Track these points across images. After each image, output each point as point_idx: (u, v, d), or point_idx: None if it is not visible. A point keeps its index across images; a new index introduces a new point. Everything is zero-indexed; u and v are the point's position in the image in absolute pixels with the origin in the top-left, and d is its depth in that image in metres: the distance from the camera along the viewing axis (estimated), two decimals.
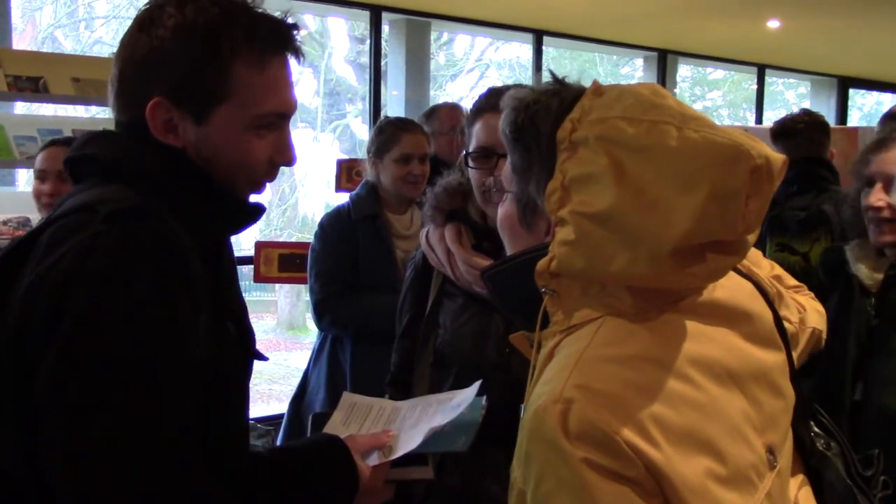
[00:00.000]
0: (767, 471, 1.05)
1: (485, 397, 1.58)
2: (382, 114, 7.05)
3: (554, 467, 0.96)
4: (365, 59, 8.37)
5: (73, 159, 1.23)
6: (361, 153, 3.78)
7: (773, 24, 7.89)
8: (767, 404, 1.09)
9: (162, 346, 1.04)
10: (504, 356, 1.77)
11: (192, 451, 1.05)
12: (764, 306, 1.16)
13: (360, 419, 1.59)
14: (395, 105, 7.47)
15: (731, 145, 0.97)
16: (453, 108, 4.19)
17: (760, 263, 1.37)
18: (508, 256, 1.19)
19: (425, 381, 1.89)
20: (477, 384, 1.60)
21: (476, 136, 1.80)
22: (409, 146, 3.17)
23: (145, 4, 1.21)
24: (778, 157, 0.99)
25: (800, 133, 3.48)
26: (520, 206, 1.16)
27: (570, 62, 10.87)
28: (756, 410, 1.07)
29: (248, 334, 1.23)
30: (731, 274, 1.13)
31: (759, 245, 3.10)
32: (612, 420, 0.95)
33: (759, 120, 9.93)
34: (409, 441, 1.48)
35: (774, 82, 11.15)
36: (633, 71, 11.49)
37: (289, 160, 1.25)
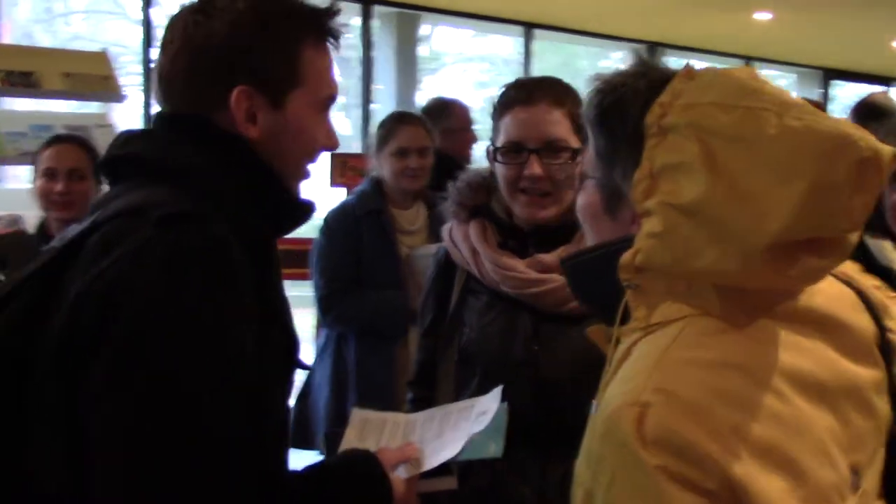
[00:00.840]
0: (850, 493, 0.99)
1: (506, 403, 1.56)
2: (371, 108, 7.00)
3: (629, 472, 0.92)
4: (347, 53, 8.32)
5: (115, 159, 1.19)
6: (345, 148, 3.74)
7: (761, 15, 7.92)
8: (857, 422, 1.02)
9: (214, 362, 1.01)
10: (532, 354, 1.74)
11: (246, 469, 1.03)
12: (866, 319, 1.08)
13: (375, 434, 1.57)
14: (384, 99, 7.42)
15: (837, 135, 0.91)
16: (465, 106, 4.13)
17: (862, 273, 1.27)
18: (591, 247, 1.14)
19: (450, 379, 1.85)
20: (498, 390, 1.57)
21: (505, 130, 1.76)
22: (406, 139, 3.15)
23: None
24: (888, 149, 0.92)
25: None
26: (604, 194, 1.11)
27: (553, 55, 10.85)
28: (844, 428, 1.00)
29: (293, 342, 1.20)
30: (833, 281, 1.08)
31: None
32: (693, 428, 0.90)
33: None
34: (439, 452, 1.47)
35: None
36: (615, 64, 11.52)
37: (336, 143, 1.27)
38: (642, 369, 0.96)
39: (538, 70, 8.94)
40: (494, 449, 1.49)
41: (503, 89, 1.82)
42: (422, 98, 7.09)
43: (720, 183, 0.94)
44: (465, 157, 3.76)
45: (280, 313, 1.19)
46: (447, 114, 3.98)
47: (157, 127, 1.21)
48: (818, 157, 0.91)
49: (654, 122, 1.00)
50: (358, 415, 1.61)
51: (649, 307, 1.02)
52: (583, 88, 1.15)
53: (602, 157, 1.10)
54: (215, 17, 1.15)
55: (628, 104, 1.05)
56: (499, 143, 1.77)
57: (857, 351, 1.05)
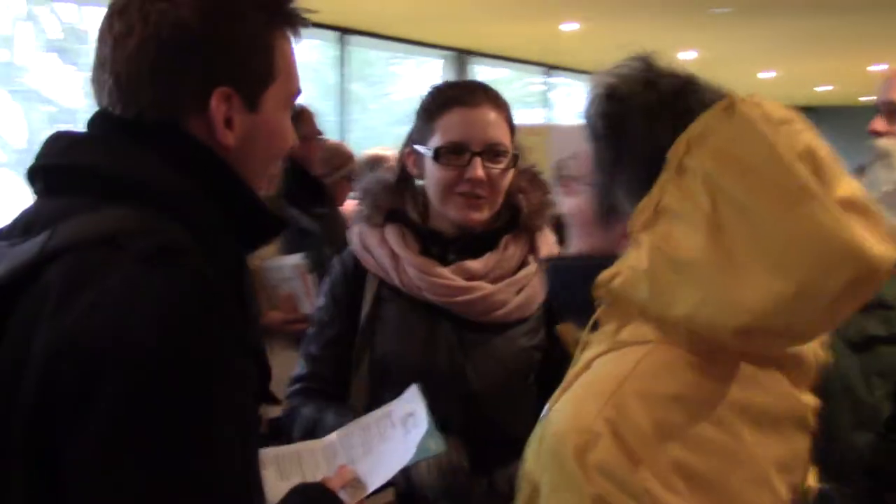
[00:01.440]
0: None
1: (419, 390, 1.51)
2: None
3: (568, 493, 0.93)
4: None
5: (57, 168, 0.99)
6: None
7: (568, 26, 8.22)
8: (798, 444, 1.08)
9: (222, 418, 0.88)
10: (457, 365, 1.67)
11: None
12: (814, 348, 1.10)
13: (295, 469, 1.46)
14: None
15: (844, 246, 0.88)
16: (313, 112, 3.92)
17: None
18: (577, 254, 1.13)
19: (363, 395, 1.74)
20: (415, 388, 1.50)
21: (444, 130, 1.67)
22: None
23: None
24: (889, 260, 0.90)
25: None
26: (600, 204, 1.07)
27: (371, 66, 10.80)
28: (788, 452, 1.04)
29: (266, 374, 1.05)
30: None
31: None
32: (634, 465, 0.92)
33: (547, 118, 10.34)
34: (378, 468, 1.40)
35: (560, 84, 11.62)
36: (428, 70, 11.60)
37: (294, 143, 1.13)
38: (597, 394, 0.96)
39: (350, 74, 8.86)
40: (436, 445, 1.43)
41: (434, 90, 1.74)
42: None
43: (716, 252, 0.92)
44: (311, 165, 3.59)
45: (258, 343, 1.06)
46: (300, 120, 3.78)
47: (108, 132, 1.01)
48: (816, 263, 0.89)
49: (675, 158, 0.96)
50: (269, 453, 1.47)
51: (619, 323, 1.02)
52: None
53: (603, 168, 1.06)
54: (181, 5, 0.98)
55: (637, 119, 1.02)
56: (436, 144, 1.68)
57: (805, 380, 1.08)
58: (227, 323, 0.90)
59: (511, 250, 1.73)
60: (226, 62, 1.00)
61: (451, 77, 9.53)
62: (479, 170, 1.65)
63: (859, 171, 3.17)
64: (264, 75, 1.03)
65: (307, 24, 1.08)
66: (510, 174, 1.71)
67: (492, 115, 1.68)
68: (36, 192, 1.02)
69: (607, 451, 0.91)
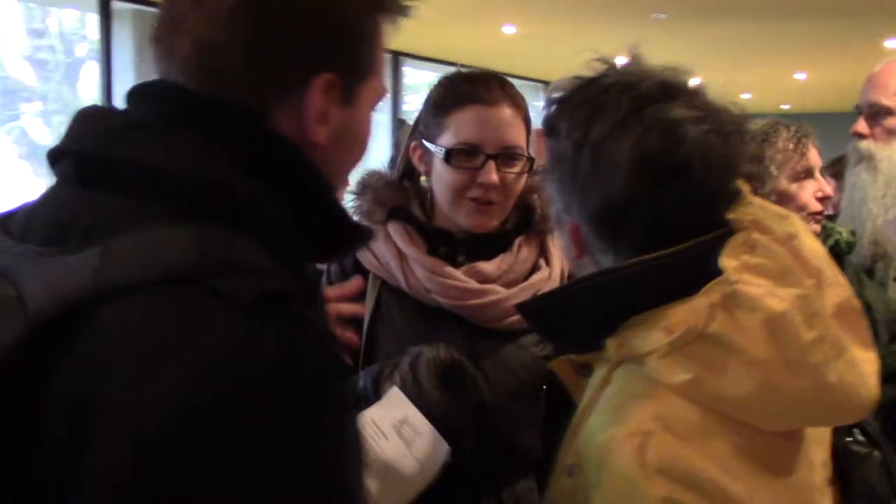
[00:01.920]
0: (826, 489, 1.06)
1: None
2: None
3: (629, 500, 0.93)
4: (44, 55, 7.58)
5: (97, 159, 0.80)
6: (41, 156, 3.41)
7: (507, 29, 8.21)
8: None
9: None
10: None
11: None
12: None
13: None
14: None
15: (843, 399, 0.97)
16: None
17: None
18: (569, 283, 1.14)
19: None
20: (395, 390, 1.37)
21: (458, 129, 1.55)
22: None
23: None
24: (875, 397, 0.99)
25: None
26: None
27: None
28: (823, 430, 1.10)
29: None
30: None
31: None
32: (692, 453, 0.94)
33: None
34: (390, 490, 1.27)
35: None
36: None
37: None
38: (637, 396, 0.98)
39: None
40: (443, 450, 1.31)
41: (447, 81, 1.61)
42: None
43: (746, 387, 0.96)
44: None
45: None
46: None
47: (167, 112, 0.81)
48: (820, 410, 1.00)
49: (719, 289, 0.98)
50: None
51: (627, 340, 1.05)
52: None
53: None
54: None
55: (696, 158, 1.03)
56: (448, 143, 1.56)
57: None
58: (340, 375, 0.76)
59: (524, 253, 1.64)
60: (334, 44, 0.85)
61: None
62: (493, 174, 1.54)
63: (832, 165, 3.20)
64: (367, 65, 0.89)
65: (406, 12, 0.93)
66: (524, 178, 1.61)
67: (508, 113, 1.56)
68: (62, 179, 0.82)
69: (664, 446, 0.93)
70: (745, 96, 13.02)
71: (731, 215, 1.02)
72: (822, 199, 2.01)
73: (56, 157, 0.83)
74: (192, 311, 0.68)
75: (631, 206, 1.02)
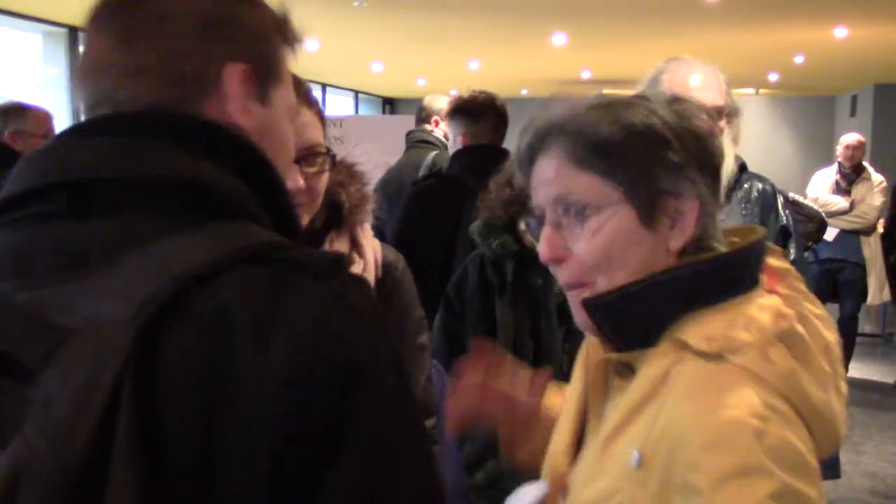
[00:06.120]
0: None
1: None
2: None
3: (750, 485, 0.95)
4: None
5: (98, 183, 0.82)
6: None
7: None
8: None
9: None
10: None
11: None
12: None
13: None
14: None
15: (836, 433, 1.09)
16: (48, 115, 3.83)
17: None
18: (635, 281, 1.08)
19: None
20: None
21: None
22: None
23: None
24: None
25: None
26: (643, 206, 1.09)
27: None
28: None
29: None
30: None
31: None
32: (799, 443, 0.99)
33: None
34: None
35: None
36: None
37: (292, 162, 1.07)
38: (728, 385, 1.00)
39: None
40: None
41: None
42: None
43: None
44: None
45: None
46: (24, 116, 3.91)
47: (132, 134, 0.83)
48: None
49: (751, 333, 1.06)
50: None
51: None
52: None
53: (633, 175, 1.09)
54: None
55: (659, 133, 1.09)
56: None
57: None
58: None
59: (337, 248, 1.68)
60: (239, 36, 0.90)
61: (58, 56, 8.78)
62: (298, 180, 1.54)
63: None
64: (276, 67, 0.94)
65: (299, 44, 0.99)
66: (327, 174, 1.63)
67: (305, 114, 1.55)
68: (37, 216, 0.81)
69: (780, 431, 0.97)
70: (421, 81, 13.76)
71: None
72: None
73: (19, 199, 0.83)
74: (287, 283, 0.78)
75: None
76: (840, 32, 9.08)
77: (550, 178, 1.11)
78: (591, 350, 1.23)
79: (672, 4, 7.82)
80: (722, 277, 1.08)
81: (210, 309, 0.74)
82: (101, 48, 0.88)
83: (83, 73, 0.89)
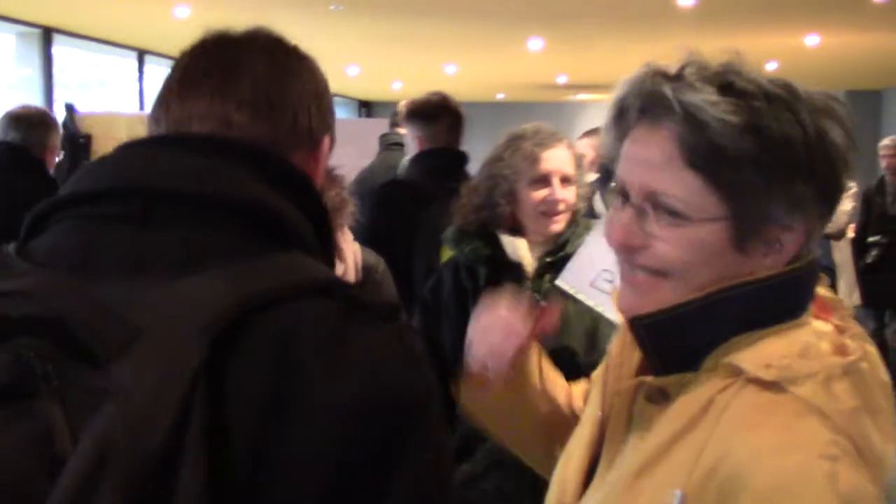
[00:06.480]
0: None
1: None
2: None
3: None
4: None
5: (178, 195, 0.84)
6: None
7: (182, 12, 7.95)
8: None
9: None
10: None
11: None
12: None
13: None
14: None
15: None
16: None
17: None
18: (705, 294, 0.97)
19: None
20: None
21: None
22: None
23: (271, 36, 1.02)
24: None
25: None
26: (741, 231, 0.96)
27: None
28: None
29: None
30: None
31: None
32: (871, 485, 0.88)
33: (141, 106, 9.92)
34: None
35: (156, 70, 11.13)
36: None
37: None
38: (798, 415, 0.90)
39: None
40: None
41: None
42: None
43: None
44: None
45: None
46: None
47: (222, 157, 0.87)
48: None
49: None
50: None
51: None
52: None
53: (747, 192, 0.96)
54: (295, 59, 1.01)
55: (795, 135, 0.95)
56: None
57: None
58: None
59: None
60: (331, 115, 1.03)
61: (32, 58, 8.73)
62: None
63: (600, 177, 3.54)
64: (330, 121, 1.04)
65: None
66: None
67: None
68: (105, 217, 0.83)
69: (852, 473, 0.87)
70: (397, 84, 13.79)
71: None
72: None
73: (86, 198, 0.85)
74: (353, 319, 0.81)
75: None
76: (812, 40, 9.22)
77: (653, 163, 0.98)
78: (612, 371, 1.14)
79: (647, 10, 7.90)
80: (778, 300, 0.98)
81: (281, 331, 0.77)
82: (227, 78, 0.94)
83: (187, 89, 0.94)
